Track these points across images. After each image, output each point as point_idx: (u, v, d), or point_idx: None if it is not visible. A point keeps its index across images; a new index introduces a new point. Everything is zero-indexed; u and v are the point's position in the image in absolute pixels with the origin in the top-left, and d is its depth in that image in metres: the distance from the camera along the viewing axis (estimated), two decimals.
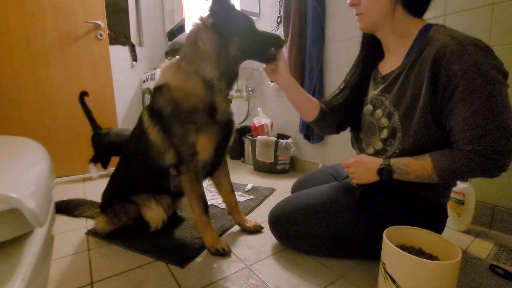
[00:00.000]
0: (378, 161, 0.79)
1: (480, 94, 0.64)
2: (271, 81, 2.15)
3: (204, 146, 0.92)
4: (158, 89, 0.96)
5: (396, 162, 0.76)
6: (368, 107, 0.88)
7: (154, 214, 1.02)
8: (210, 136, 0.92)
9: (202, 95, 0.90)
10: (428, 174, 0.71)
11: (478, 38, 0.67)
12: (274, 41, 0.93)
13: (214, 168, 1.08)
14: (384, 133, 0.81)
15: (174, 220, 1.22)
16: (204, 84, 0.90)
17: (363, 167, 0.82)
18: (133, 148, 1.05)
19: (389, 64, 0.83)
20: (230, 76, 0.95)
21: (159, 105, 0.94)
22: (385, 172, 0.76)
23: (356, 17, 0.81)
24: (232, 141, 1.05)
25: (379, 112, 0.83)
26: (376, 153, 0.84)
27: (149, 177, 1.02)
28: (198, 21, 0.92)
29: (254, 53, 0.94)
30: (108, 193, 1.10)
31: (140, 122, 1.02)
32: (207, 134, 0.92)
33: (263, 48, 0.93)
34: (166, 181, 1.02)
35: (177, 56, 0.97)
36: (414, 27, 0.76)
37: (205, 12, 0.92)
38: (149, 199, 1.02)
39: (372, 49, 0.90)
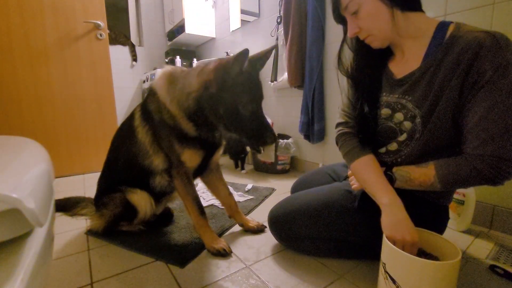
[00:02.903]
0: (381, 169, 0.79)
1: (501, 94, 0.61)
2: (271, 82, 2.15)
3: (189, 159, 0.95)
4: (152, 92, 0.96)
5: (398, 169, 0.75)
6: (385, 111, 0.80)
7: (140, 197, 1.03)
8: (194, 152, 0.95)
9: (184, 123, 0.91)
10: (431, 182, 0.70)
11: None
12: (261, 139, 0.84)
13: (203, 170, 1.09)
14: (404, 136, 0.77)
15: (170, 219, 1.23)
16: (188, 118, 0.90)
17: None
18: (120, 142, 1.08)
19: (406, 65, 0.77)
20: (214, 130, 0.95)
21: (151, 109, 0.95)
22: (387, 178, 0.76)
23: (365, 40, 0.77)
24: (220, 152, 1.07)
25: (399, 115, 0.78)
26: (388, 153, 0.81)
27: (131, 172, 1.04)
28: (197, 76, 0.87)
29: (240, 139, 0.88)
30: (97, 191, 1.13)
31: (131, 117, 1.03)
32: (191, 150, 0.94)
33: (246, 139, 0.86)
34: (147, 180, 1.03)
35: (177, 69, 0.96)
36: (425, 25, 0.73)
37: (205, 71, 0.86)
38: (133, 187, 1.04)
39: (369, 55, 0.83)
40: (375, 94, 0.84)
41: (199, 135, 0.93)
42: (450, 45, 0.67)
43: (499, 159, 0.62)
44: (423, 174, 0.71)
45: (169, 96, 0.91)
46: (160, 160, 0.97)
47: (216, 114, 0.86)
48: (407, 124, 0.76)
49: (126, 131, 1.05)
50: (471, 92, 0.65)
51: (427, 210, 0.81)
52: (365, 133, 0.87)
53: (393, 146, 0.81)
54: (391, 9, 0.70)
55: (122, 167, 1.07)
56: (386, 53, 0.83)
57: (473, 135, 0.65)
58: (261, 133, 0.85)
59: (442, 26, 0.70)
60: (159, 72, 1.00)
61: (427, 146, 0.73)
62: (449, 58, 0.67)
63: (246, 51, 0.78)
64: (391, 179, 0.76)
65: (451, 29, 0.69)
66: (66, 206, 1.19)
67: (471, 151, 0.66)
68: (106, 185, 1.09)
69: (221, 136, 1.02)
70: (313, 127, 1.86)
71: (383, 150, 0.84)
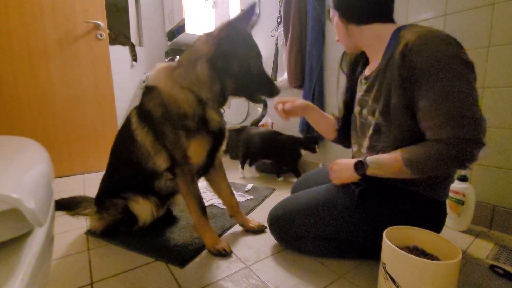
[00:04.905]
0: (354, 160, 0.83)
1: (438, 83, 0.67)
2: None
3: (196, 152, 0.93)
4: (149, 90, 0.95)
5: (370, 157, 0.79)
6: (357, 108, 0.93)
7: (141, 207, 1.02)
8: (201, 143, 0.93)
9: (193, 107, 0.91)
10: (399, 166, 0.73)
11: (446, 33, 0.70)
12: (268, 90, 0.94)
13: (208, 168, 1.09)
14: (370, 131, 0.84)
15: (171, 219, 1.23)
16: (196, 99, 0.91)
17: (342, 165, 0.87)
18: (120, 149, 1.06)
19: (372, 66, 0.88)
20: (221, 100, 0.96)
21: (149, 108, 0.94)
22: (359, 165, 0.80)
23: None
24: (224, 144, 1.06)
25: (365, 111, 0.87)
26: (368, 150, 0.87)
27: (135, 178, 1.03)
28: (204, 42, 0.90)
29: (247, 95, 0.95)
30: (99, 192, 1.12)
31: (127, 122, 1.01)
32: (198, 141, 0.92)
33: (257, 92, 0.95)
34: (152, 183, 1.02)
35: (174, 61, 0.97)
36: (384, 32, 0.81)
37: (213, 32, 0.90)
38: (136, 195, 1.03)
39: (355, 62, 0.99)
40: (353, 96, 0.99)
41: (207, 117, 0.92)
42: (396, 46, 0.75)
43: (457, 139, 0.66)
44: (392, 160, 0.74)
45: (175, 83, 0.91)
46: (163, 160, 0.96)
47: (230, 71, 0.89)
48: (370, 118, 0.85)
49: (124, 136, 1.03)
50: (410, 85, 0.71)
51: (425, 207, 0.81)
52: (344, 129, 1.05)
53: (366, 142, 0.87)
54: (346, 25, 0.85)
55: (125, 173, 1.05)
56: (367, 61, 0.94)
57: (426, 123, 0.70)
58: (267, 86, 0.94)
59: (398, 30, 0.78)
60: (154, 70, 0.99)
61: (399, 141, 0.77)
62: (393, 57, 0.75)
63: (253, 5, 0.86)
64: (363, 165, 0.79)
65: (401, 31, 0.76)
66: (70, 205, 1.19)
67: (430, 136, 0.70)
68: (109, 189, 1.08)
69: (225, 128, 1.02)
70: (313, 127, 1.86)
71: (363, 150, 0.90)
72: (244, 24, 0.90)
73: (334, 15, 0.89)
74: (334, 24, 0.91)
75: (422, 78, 0.68)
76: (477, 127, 0.65)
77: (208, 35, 0.91)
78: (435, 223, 0.83)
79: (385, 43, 0.80)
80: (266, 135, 1.87)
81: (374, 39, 0.83)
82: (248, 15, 0.88)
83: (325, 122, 1.13)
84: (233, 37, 0.87)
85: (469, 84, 0.66)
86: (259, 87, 0.93)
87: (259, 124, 2.18)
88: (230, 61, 0.88)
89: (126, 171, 1.05)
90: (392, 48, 0.77)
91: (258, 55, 0.93)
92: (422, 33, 0.69)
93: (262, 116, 2.06)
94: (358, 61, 0.98)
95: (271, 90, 0.94)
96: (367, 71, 0.91)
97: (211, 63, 0.88)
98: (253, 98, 0.96)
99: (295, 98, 1.12)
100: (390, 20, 0.84)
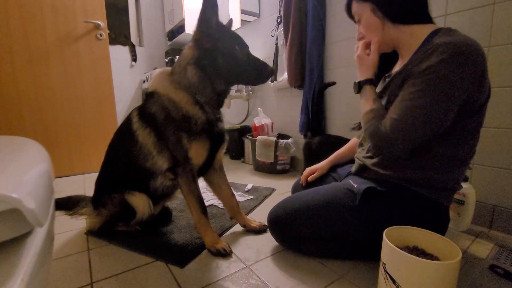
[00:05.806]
0: (367, 74, 0.87)
1: (411, 88, 0.72)
2: (271, 82, 2.15)
3: (196, 153, 0.95)
4: (150, 95, 0.98)
5: (370, 89, 0.84)
6: None
7: (138, 199, 1.03)
8: (201, 144, 0.95)
9: (191, 109, 0.93)
10: (363, 111, 0.83)
11: (475, 45, 0.69)
12: (262, 73, 0.95)
13: (207, 168, 1.09)
14: None
15: (167, 214, 1.24)
16: (194, 101, 0.93)
17: (363, 64, 0.88)
18: (118, 147, 1.07)
19: (397, 67, 0.88)
20: (217, 101, 0.99)
21: (153, 111, 0.95)
22: (356, 86, 0.88)
23: None
24: (225, 147, 1.08)
25: None
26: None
27: (131, 176, 1.04)
28: (188, 47, 0.94)
29: (244, 82, 0.99)
30: (95, 191, 1.13)
31: (128, 122, 1.02)
32: (198, 143, 0.94)
33: (252, 77, 0.96)
34: (147, 182, 1.02)
35: (169, 67, 0.99)
36: (420, 33, 0.78)
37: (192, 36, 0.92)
38: (132, 190, 1.04)
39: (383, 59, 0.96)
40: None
41: (207, 119, 0.94)
42: (426, 50, 0.73)
43: (383, 138, 0.75)
44: (366, 103, 0.83)
45: (172, 85, 0.94)
46: (165, 160, 0.97)
47: (217, 67, 0.91)
48: None
49: (123, 135, 1.04)
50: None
51: (428, 211, 0.81)
52: None
53: None
54: (382, 22, 0.82)
55: (121, 171, 1.06)
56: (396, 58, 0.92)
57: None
58: (260, 70, 0.95)
59: (433, 33, 0.76)
60: (154, 75, 1.01)
61: None
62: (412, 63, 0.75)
63: None
64: (358, 89, 0.87)
65: (436, 37, 0.74)
66: (67, 205, 1.19)
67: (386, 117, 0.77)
68: (104, 187, 1.09)
69: (224, 131, 1.03)
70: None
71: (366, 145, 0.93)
72: (214, 14, 0.88)
73: (361, 8, 0.85)
74: (360, 20, 0.87)
75: (411, 80, 0.73)
76: (396, 146, 0.73)
77: (191, 40, 0.94)
78: (438, 227, 0.82)
79: (418, 44, 0.78)
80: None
81: (410, 39, 0.81)
82: (213, 1, 0.86)
83: (352, 150, 1.13)
84: (209, 33, 0.89)
85: (437, 105, 0.68)
86: (252, 71, 0.94)
87: (257, 125, 2.18)
88: (214, 56, 0.90)
89: (123, 169, 1.05)
90: (419, 53, 0.75)
91: (241, 43, 0.95)
92: (452, 41, 0.68)
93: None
94: (387, 56, 0.93)
95: (265, 72, 0.95)
96: (393, 70, 0.90)
97: (198, 65, 0.92)
98: (250, 83, 0.98)
99: (323, 166, 1.16)
100: (429, 20, 0.82)
